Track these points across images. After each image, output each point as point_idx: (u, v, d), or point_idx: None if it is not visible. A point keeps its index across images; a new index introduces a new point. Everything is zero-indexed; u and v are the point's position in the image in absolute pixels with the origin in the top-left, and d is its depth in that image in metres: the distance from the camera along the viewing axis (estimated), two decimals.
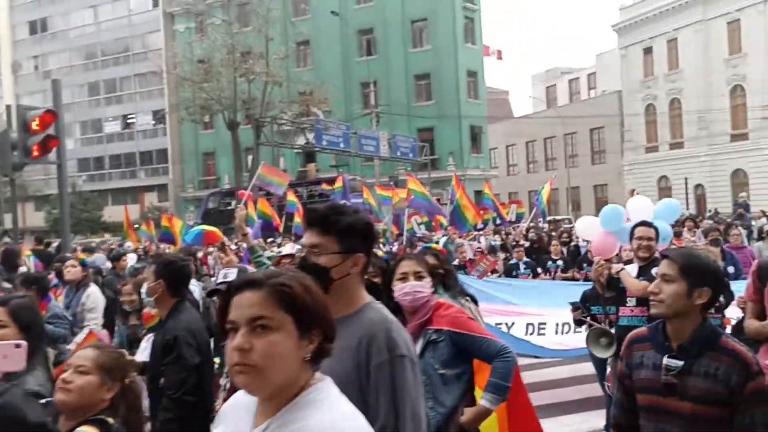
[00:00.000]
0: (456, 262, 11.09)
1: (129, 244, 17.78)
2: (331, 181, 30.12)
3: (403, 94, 41.70)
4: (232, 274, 2.99)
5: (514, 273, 10.53)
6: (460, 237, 15.21)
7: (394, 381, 2.03)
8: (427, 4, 41.44)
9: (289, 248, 5.40)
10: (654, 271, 4.88)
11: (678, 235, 12.86)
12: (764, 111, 37.33)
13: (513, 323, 6.66)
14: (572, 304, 5.98)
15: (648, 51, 44.58)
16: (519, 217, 19.32)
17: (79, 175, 53.53)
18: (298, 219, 18.56)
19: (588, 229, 6.67)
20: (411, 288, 3.21)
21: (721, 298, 5.26)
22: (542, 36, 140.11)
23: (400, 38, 42.03)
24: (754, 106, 37.99)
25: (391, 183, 19.47)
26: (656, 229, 5.16)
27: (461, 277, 8.12)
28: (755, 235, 15.62)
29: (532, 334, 6.50)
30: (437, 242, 13.91)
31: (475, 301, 4.27)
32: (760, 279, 3.88)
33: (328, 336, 1.57)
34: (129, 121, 54.76)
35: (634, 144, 45.72)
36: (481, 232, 16.28)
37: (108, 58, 54.57)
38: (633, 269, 5.16)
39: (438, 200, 17.91)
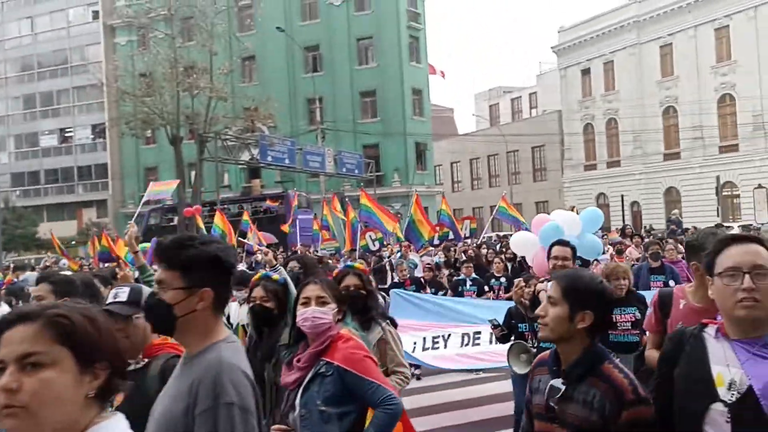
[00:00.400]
0: (397, 279, 11.13)
1: (65, 262, 17.30)
2: (276, 198, 30.07)
3: (349, 111, 41.89)
4: (123, 294, 2.82)
5: (460, 289, 10.34)
6: (418, 252, 15.38)
7: (217, 431, 1.89)
8: (372, 22, 41.89)
9: None
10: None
11: (620, 252, 13.24)
12: (695, 131, 39.01)
13: (449, 335, 6.72)
14: (491, 321, 5.93)
15: (586, 72, 46.09)
16: (472, 233, 19.49)
17: (13, 190, 51.65)
18: (250, 235, 18.65)
19: (523, 245, 6.54)
20: (311, 314, 3.03)
21: (638, 314, 5.33)
22: (485, 55, 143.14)
23: (346, 55, 42.29)
24: (685, 127, 39.65)
25: (347, 200, 19.49)
26: (573, 248, 5.08)
27: (400, 293, 8.23)
28: None
29: (467, 344, 6.54)
30: (394, 259, 14.02)
31: (394, 324, 4.14)
32: (661, 309, 3.78)
33: (117, 370, 1.45)
34: (66, 134, 53.20)
35: (574, 162, 47.04)
36: (432, 248, 16.39)
37: (45, 70, 53.03)
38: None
39: (388, 214, 17.95)
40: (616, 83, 44.02)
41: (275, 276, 4.19)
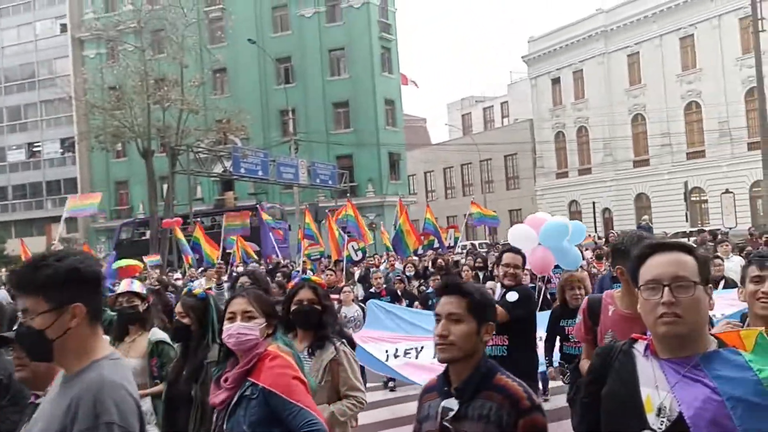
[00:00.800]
0: (372, 290, 11.08)
1: None
2: (250, 210, 29.88)
3: (322, 122, 41.89)
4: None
5: (430, 302, 9.92)
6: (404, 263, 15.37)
7: None
8: (344, 34, 42.02)
9: (125, 285, 4.84)
10: (509, 296, 4.87)
11: (600, 258, 13.29)
12: (663, 138, 39.70)
13: (422, 347, 6.68)
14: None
15: (556, 81, 46.70)
16: (456, 242, 19.49)
17: None
18: (234, 249, 18.62)
19: (521, 239, 6.23)
20: (236, 330, 2.85)
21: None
22: (457, 66, 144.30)
23: (318, 67, 42.33)
24: (654, 134, 40.34)
25: (328, 212, 19.53)
26: (523, 256, 5.07)
27: (377, 303, 8.19)
28: None
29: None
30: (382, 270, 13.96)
31: (352, 345, 3.96)
32: (591, 317, 3.60)
33: None
34: (35, 149, 52.35)
35: (546, 170, 47.56)
36: (416, 258, 16.36)
37: (12, 84, 52.17)
38: (497, 295, 5.03)
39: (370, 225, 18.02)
40: (585, 92, 44.67)
41: (196, 291, 4.07)
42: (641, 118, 41.71)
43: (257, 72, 42.82)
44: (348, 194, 37.09)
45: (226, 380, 2.88)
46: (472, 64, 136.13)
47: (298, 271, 15.65)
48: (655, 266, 1.89)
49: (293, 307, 3.75)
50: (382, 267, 16.10)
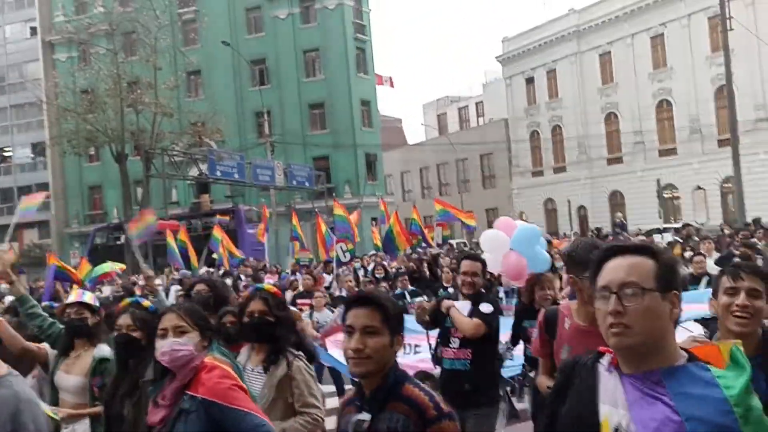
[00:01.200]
0: (344, 293, 10.98)
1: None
2: (227, 213, 29.71)
3: (298, 124, 41.78)
4: None
5: (401, 304, 10.17)
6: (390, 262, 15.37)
7: None
8: (318, 35, 41.95)
9: (75, 295, 4.50)
10: (483, 307, 4.67)
11: None
12: (636, 136, 40.24)
13: None
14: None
15: (530, 81, 47.10)
16: (445, 240, 19.34)
17: None
18: (222, 251, 18.47)
19: (491, 243, 5.98)
20: (169, 347, 2.76)
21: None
22: (433, 66, 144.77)
23: (293, 68, 42.22)
24: (626, 132, 40.86)
25: (317, 212, 19.44)
26: (483, 262, 4.89)
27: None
28: None
29: (408, 353, 6.43)
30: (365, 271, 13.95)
31: (311, 359, 3.72)
32: (548, 330, 3.38)
33: None
34: (5, 154, 51.49)
35: (522, 169, 47.93)
36: (405, 257, 16.35)
37: None
38: (465, 306, 4.77)
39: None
40: (559, 91, 45.11)
41: (145, 302, 3.79)
42: (614, 116, 42.23)
43: (232, 74, 42.56)
44: (334, 195, 37.07)
45: (163, 398, 2.79)
46: (447, 64, 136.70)
47: (287, 273, 15.64)
48: (607, 272, 1.74)
49: (244, 320, 3.59)
50: (370, 267, 16.03)
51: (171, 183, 36.70)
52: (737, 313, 2.55)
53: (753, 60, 33.57)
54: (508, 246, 5.61)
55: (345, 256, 15.58)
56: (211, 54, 41.43)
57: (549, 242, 9.80)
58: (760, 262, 8.75)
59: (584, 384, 1.78)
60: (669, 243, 16.71)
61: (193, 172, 32.40)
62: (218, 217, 27.31)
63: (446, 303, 4.84)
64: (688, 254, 11.17)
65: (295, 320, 4.18)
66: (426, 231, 18.36)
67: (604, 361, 1.79)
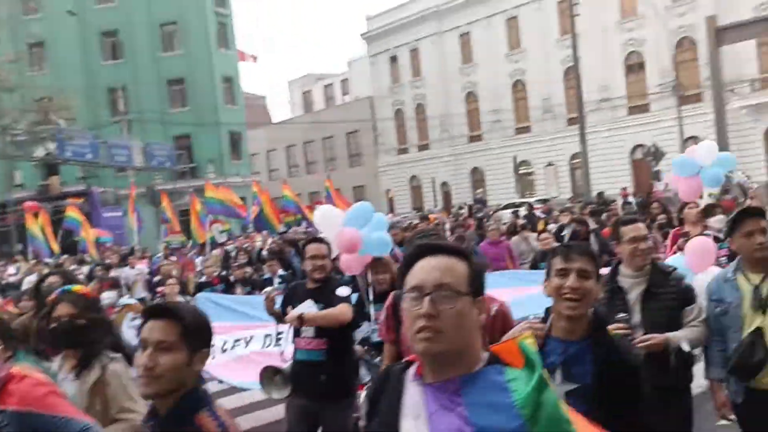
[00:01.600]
0: (204, 279, 10.67)
1: None
2: (80, 195, 27.90)
3: (156, 101, 39.73)
4: None
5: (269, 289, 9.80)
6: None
7: None
8: (175, 7, 39.93)
9: None
10: (341, 291, 4.39)
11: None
12: (494, 115, 42.09)
13: (252, 337, 6.42)
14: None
15: (394, 59, 47.79)
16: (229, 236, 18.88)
17: None
18: (84, 234, 17.26)
19: (326, 221, 5.93)
20: None
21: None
22: (298, 42, 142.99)
23: (149, 42, 39.98)
24: (485, 111, 42.65)
25: (193, 194, 18.32)
26: (327, 243, 4.67)
27: (208, 296, 7.56)
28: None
29: (269, 345, 6.28)
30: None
31: (128, 358, 3.36)
32: (395, 315, 3.19)
33: None
34: None
35: (387, 147, 48.72)
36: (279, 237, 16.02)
37: None
38: (308, 306, 4.48)
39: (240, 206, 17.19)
40: (422, 70, 46.14)
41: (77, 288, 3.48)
42: (474, 95, 43.87)
43: (79, 46, 39.59)
44: (188, 176, 35.73)
45: None
46: (313, 41, 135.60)
47: (159, 257, 14.98)
48: (419, 271, 1.60)
49: (51, 326, 3.26)
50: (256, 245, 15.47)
51: (14, 164, 33.95)
52: (567, 296, 2.43)
53: (597, 43, 36.03)
54: (341, 223, 5.62)
55: (222, 237, 15.18)
56: (54, 24, 38.25)
57: (392, 226, 9.84)
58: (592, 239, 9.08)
59: (392, 396, 1.64)
60: (528, 216, 17.55)
61: (40, 152, 30.05)
62: (69, 200, 25.63)
63: (290, 316, 4.32)
64: (551, 226, 11.88)
65: (110, 321, 3.77)
66: (306, 210, 18.16)
67: (411, 370, 1.65)
